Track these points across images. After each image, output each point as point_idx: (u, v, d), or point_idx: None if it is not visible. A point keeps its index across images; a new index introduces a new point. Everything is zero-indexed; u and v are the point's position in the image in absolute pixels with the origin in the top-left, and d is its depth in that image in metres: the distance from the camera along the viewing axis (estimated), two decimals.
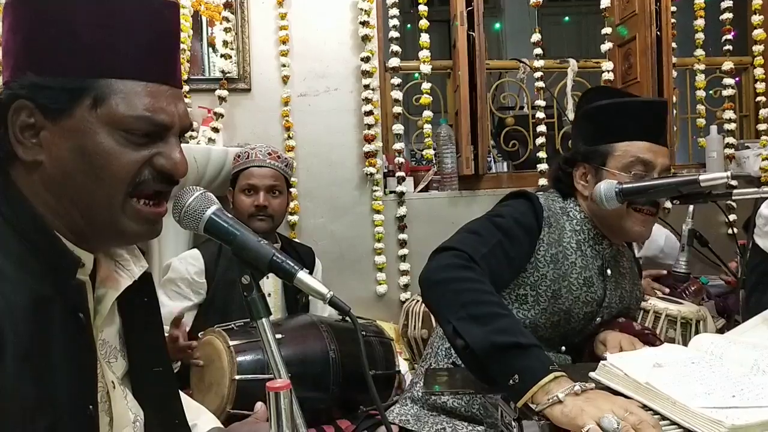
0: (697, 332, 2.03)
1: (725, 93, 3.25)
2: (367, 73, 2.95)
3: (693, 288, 2.43)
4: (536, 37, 3.14)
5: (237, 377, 1.58)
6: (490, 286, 1.25)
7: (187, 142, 2.58)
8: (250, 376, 1.59)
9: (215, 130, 2.78)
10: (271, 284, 2.08)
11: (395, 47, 2.99)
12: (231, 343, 1.62)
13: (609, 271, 1.49)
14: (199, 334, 1.75)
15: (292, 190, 2.68)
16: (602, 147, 1.45)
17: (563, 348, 1.48)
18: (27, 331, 0.67)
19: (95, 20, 0.73)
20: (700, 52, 3.26)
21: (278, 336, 1.67)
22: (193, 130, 2.76)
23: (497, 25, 8.43)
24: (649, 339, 1.44)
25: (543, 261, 1.42)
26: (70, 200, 0.75)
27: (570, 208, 1.50)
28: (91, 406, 0.74)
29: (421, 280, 1.30)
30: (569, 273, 1.43)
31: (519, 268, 1.41)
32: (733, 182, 3.08)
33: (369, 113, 2.95)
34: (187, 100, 2.78)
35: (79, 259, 0.76)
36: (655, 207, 1.43)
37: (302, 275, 0.77)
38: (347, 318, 0.80)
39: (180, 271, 2.00)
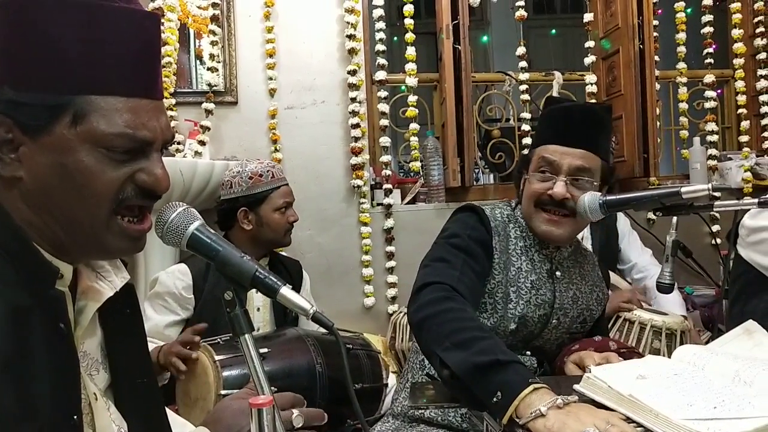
0: (682, 342, 2.04)
1: (707, 105, 3.30)
2: (353, 86, 2.96)
3: None
4: (521, 50, 3.17)
5: (223, 392, 1.57)
6: (471, 311, 1.29)
7: (173, 155, 2.57)
8: (236, 391, 1.57)
9: (202, 143, 2.77)
10: (260, 298, 2.07)
11: (382, 60, 3.00)
12: (217, 357, 1.61)
13: (558, 273, 1.53)
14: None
15: None
16: (530, 153, 1.55)
17: (528, 352, 1.51)
18: (6, 340, 0.66)
19: (76, 34, 0.71)
20: (682, 65, 3.31)
21: (264, 350, 1.66)
22: (179, 143, 2.75)
23: (484, 38, 8.51)
24: (626, 356, 1.43)
25: (497, 268, 1.47)
26: (52, 216, 0.74)
27: (517, 216, 1.56)
28: (75, 416, 0.73)
29: (409, 322, 1.33)
30: (517, 278, 1.48)
31: (485, 278, 1.46)
32: (716, 194, 3.10)
33: (356, 126, 2.96)
34: (173, 113, 2.78)
35: (57, 270, 0.75)
36: (564, 209, 1.43)
37: (285, 291, 0.76)
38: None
39: (167, 285, 1.99)
